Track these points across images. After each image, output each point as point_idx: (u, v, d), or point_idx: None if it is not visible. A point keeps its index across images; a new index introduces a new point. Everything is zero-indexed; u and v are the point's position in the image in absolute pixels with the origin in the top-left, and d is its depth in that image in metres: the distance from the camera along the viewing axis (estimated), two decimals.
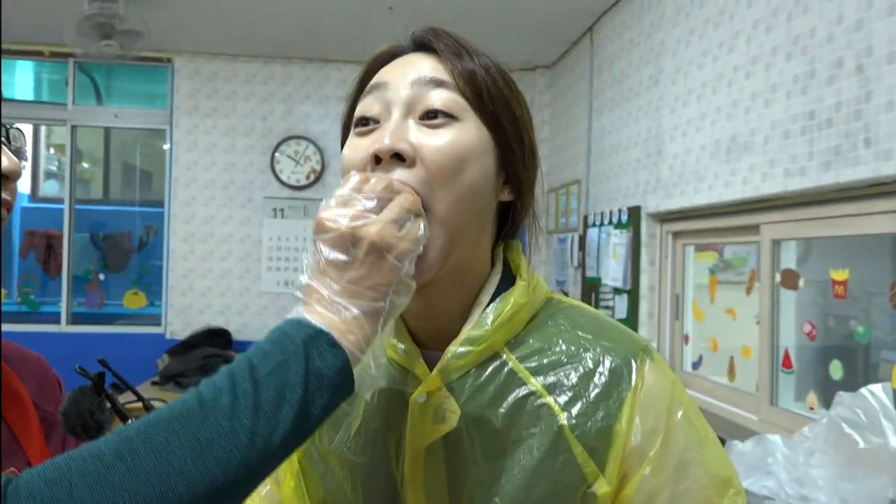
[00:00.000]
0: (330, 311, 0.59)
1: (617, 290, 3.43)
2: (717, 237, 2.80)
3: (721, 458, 0.70)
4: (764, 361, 2.40)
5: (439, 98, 0.68)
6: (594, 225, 3.72)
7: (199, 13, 3.89)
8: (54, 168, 6.23)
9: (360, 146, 0.69)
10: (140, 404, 0.96)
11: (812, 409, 2.21)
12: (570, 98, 4.30)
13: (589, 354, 0.69)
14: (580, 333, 0.71)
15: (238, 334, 4.61)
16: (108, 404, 0.87)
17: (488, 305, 0.71)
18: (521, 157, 0.72)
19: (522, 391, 0.68)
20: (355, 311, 0.59)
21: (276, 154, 4.72)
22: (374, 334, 0.61)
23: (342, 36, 4.18)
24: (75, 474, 0.49)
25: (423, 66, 0.70)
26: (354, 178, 0.64)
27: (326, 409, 0.57)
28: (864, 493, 1.56)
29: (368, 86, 0.72)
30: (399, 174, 0.65)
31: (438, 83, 0.69)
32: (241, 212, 4.72)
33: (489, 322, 0.69)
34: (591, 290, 3.75)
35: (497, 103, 0.70)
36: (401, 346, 0.73)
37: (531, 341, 0.71)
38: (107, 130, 5.75)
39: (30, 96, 5.54)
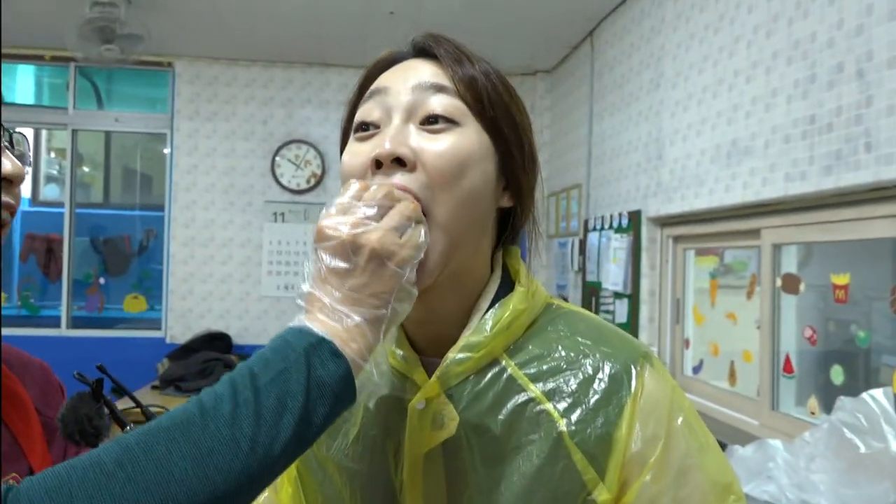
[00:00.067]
0: (332, 319, 0.59)
1: (617, 295, 3.43)
2: (718, 241, 2.80)
3: (721, 464, 0.69)
4: (765, 366, 2.40)
5: (440, 103, 0.68)
6: (595, 229, 3.72)
7: (199, 17, 3.89)
8: (55, 172, 6.23)
9: (360, 151, 0.69)
10: (138, 410, 0.96)
11: (813, 413, 2.21)
12: (571, 102, 4.30)
13: (588, 360, 0.69)
14: (580, 339, 0.71)
15: (238, 338, 4.60)
16: (107, 410, 0.86)
17: (487, 311, 0.71)
18: (521, 162, 0.72)
19: (522, 397, 0.68)
20: (357, 318, 0.59)
21: (277, 158, 4.72)
22: (376, 342, 0.61)
23: (343, 40, 4.18)
24: (76, 483, 0.49)
25: (423, 71, 0.70)
26: (354, 185, 0.64)
27: (328, 417, 0.57)
28: (866, 498, 1.55)
29: (369, 91, 0.72)
30: (399, 179, 0.65)
31: (439, 88, 0.69)
32: (242, 216, 4.71)
33: (488, 328, 0.69)
34: (591, 294, 3.75)
35: (497, 109, 0.70)
36: (399, 352, 0.73)
37: (530, 347, 0.71)
38: (107, 134, 5.76)
39: (31, 100, 5.54)
